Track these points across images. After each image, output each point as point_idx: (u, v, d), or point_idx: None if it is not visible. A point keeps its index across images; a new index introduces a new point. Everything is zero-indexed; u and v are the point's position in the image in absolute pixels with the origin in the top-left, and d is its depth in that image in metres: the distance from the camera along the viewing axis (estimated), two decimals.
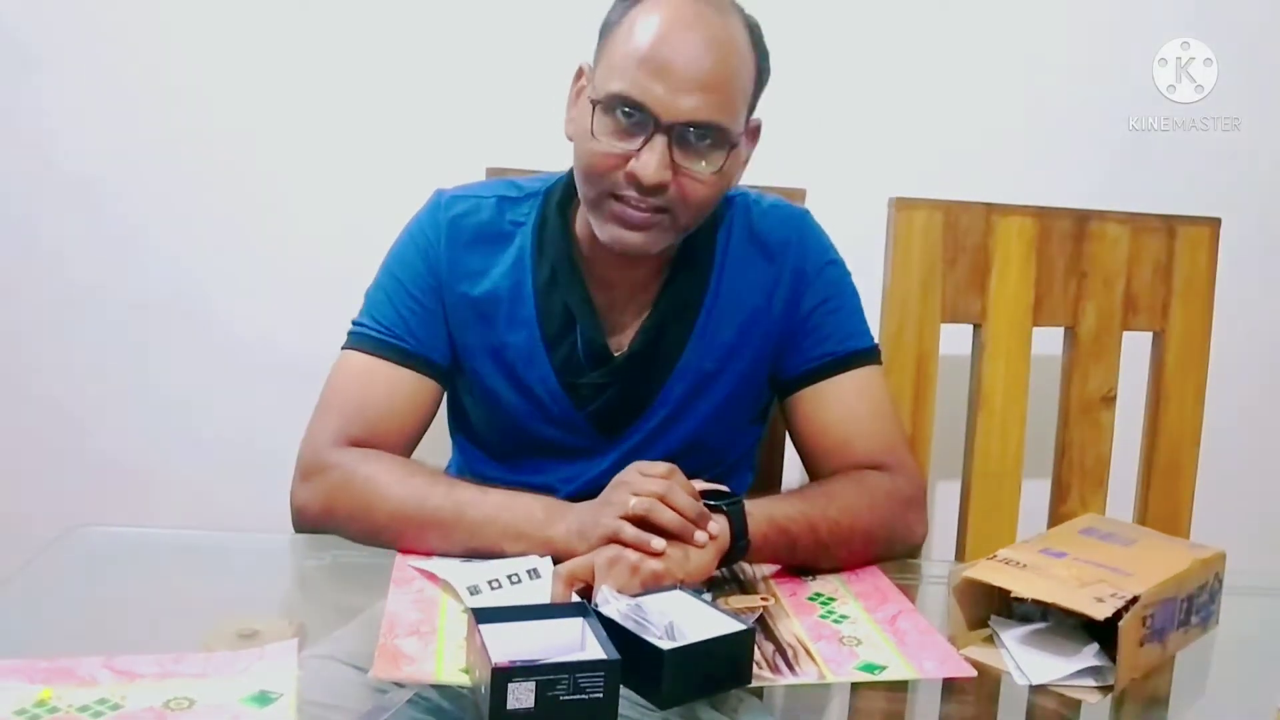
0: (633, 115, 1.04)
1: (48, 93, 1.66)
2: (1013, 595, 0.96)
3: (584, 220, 1.17)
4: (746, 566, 1.07)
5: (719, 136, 1.06)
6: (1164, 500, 1.51)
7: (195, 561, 1.08)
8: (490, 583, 0.96)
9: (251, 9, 1.66)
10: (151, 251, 1.70)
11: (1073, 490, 1.50)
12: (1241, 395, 1.78)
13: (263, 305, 1.72)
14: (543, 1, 1.65)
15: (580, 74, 1.14)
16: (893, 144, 1.74)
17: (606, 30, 1.10)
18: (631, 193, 1.06)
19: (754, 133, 1.15)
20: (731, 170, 1.11)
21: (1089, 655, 0.90)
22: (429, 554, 1.04)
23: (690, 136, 1.05)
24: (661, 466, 1.00)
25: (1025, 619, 0.97)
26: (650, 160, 1.03)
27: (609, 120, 1.06)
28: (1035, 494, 1.50)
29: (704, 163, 1.06)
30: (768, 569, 1.08)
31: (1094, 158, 1.78)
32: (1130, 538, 1.04)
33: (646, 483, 0.98)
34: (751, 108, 1.12)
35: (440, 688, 0.81)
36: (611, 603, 0.86)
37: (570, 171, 1.19)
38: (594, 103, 1.06)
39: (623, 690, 0.78)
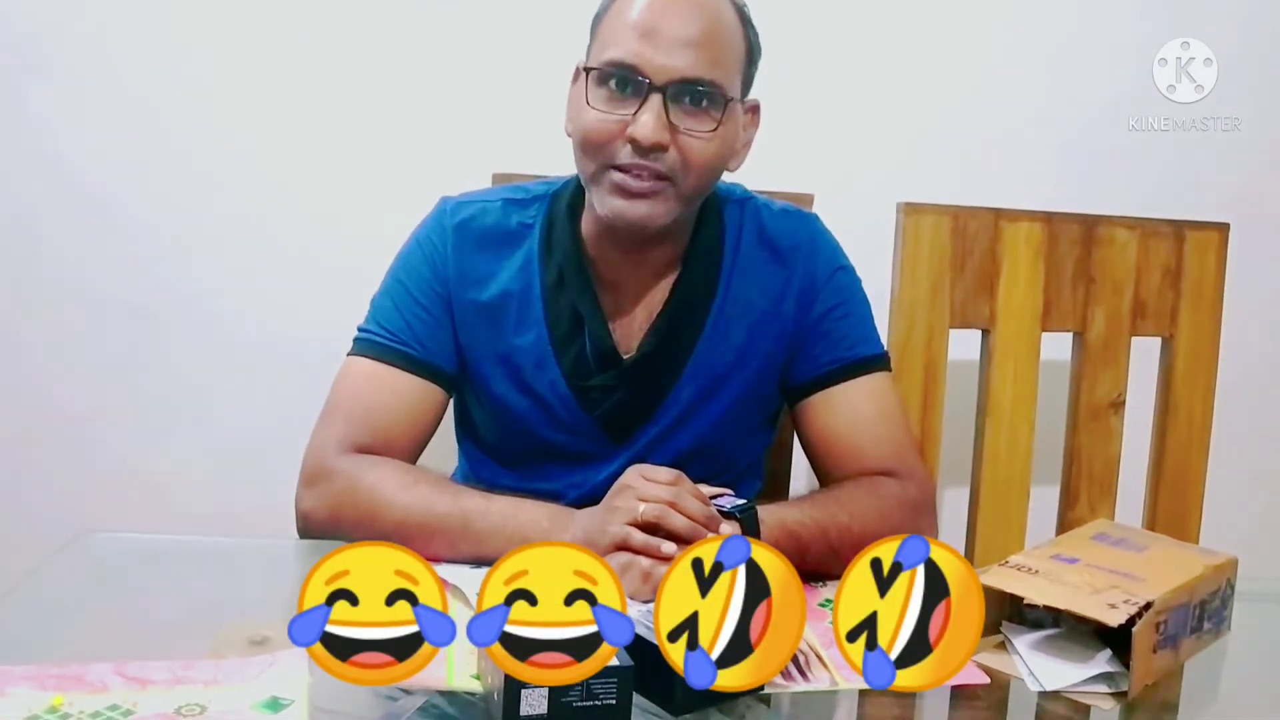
0: (626, 80, 1.06)
1: (56, 96, 1.66)
2: (1025, 601, 0.95)
3: (592, 221, 1.17)
4: None
5: (714, 94, 1.07)
6: (1173, 506, 1.51)
7: (205, 567, 1.08)
8: None
9: (258, 15, 1.66)
10: (157, 257, 1.70)
11: (1081, 496, 1.49)
12: (1250, 400, 1.77)
13: (269, 311, 1.72)
14: (547, 8, 1.65)
15: (578, 74, 1.15)
16: (900, 149, 1.73)
17: (596, 21, 1.13)
18: (632, 160, 1.06)
19: (754, 112, 1.16)
20: (730, 134, 1.11)
21: (1102, 662, 0.89)
22: (436, 561, 1.04)
23: (685, 95, 1.06)
24: (667, 473, 1.00)
25: (1037, 625, 0.96)
26: (648, 120, 1.04)
27: (603, 90, 1.07)
28: (1044, 499, 1.50)
29: (701, 121, 1.07)
30: None
31: (1095, 160, 1.78)
32: (1142, 544, 1.04)
33: (654, 489, 0.97)
34: (747, 82, 1.13)
35: (451, 694, 0.81)
36: None
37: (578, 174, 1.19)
38: (587, 70, 1.08)
39: (635, 697, 0.78)
